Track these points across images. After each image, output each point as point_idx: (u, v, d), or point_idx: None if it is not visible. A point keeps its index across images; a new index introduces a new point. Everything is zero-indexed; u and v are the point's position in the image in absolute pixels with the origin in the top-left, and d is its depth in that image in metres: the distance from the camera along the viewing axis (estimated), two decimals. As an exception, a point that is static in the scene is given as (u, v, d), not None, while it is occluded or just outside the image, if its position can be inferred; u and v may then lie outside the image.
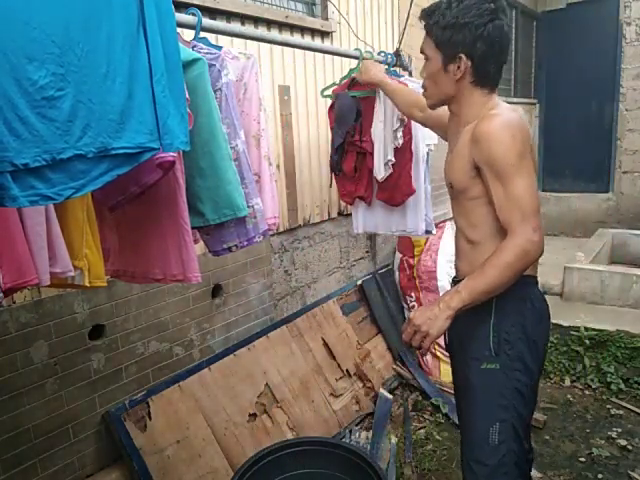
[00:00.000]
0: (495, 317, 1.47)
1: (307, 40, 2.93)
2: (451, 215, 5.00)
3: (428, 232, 2.75)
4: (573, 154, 6.74)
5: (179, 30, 1.45)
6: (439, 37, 1.44)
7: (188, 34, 1.56)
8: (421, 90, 2.59)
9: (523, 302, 1.48)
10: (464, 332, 1.54)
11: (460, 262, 1.61)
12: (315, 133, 3.11)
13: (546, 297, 1.58)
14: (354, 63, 2.55)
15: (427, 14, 1.47)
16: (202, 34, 1.57)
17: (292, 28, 2.86)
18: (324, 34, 3.11)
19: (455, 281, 1.64)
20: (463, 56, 1.42)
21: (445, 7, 1.42)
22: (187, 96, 1.21)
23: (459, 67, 1.43)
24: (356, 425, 2.87)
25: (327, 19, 3.11)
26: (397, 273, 3.74)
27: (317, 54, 2.99)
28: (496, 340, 1.46)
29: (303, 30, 2.94)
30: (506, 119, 1.37)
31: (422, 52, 1.53)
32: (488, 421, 1.45)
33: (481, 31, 1.39)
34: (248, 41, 2.41)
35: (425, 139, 2.65)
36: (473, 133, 1.40)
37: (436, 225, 3.00)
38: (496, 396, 1.45)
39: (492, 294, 1.37)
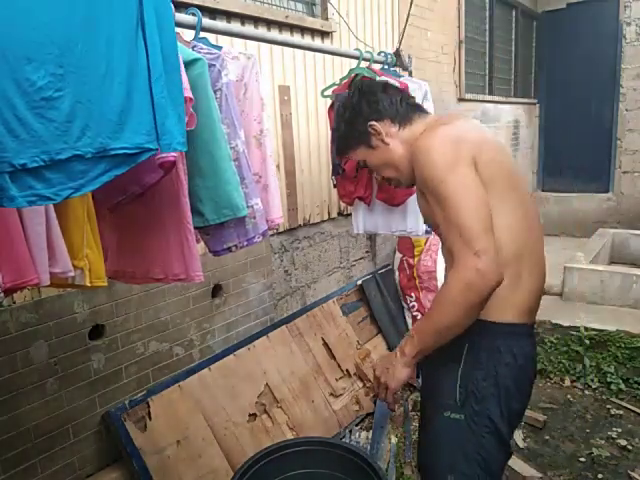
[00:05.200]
0: (464, 365, 1.31)
1: (307, 40, 2.93)
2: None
3: (428, 232, 2.75)
4: (573, 154, 6.74)
5: (179, 30, 1.45)
6: (349, 142, 1.50)
7: (188, 34, 1.56)
8: (421, 87, 2.60)
9: (500, 354, 1.30)
10: (432, 374, 1.41)
11: None
12: (315, 133, 3.11)
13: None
14: (354, 63, 2.55)
15: (338, 149, 1.57)
16: (202, 34, 1.57)
17: (292, 28, 2.86)
18: (324, 34, 3.11)
19: None
20: (371, 124, 1.44)
21: (336, 125, 1.54)
22: (191, 95, 1.22)
23: (377, 132, 1.44)
24: (356, 425, 2.87)
25: (327, 19, 3.11)
26: (397, 273, 3.74)
27: (317, 54, 2.99)
28: (463, 391, 1.30)
29: (303, 30, 2.94)
30: (433, 133, 1.31)
31: (360, 165, 1.57)
32: (447, 468, 1.32)
33: (364, 103, 1.45)
34: (248, 41, 2.41)
35: (425, 139, 2.65)
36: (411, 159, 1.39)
37: (436, 225, 3.00)
38: (459, 447, 1.31)
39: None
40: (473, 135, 1.33)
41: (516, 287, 1.31)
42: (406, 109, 1.45)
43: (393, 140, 1.44)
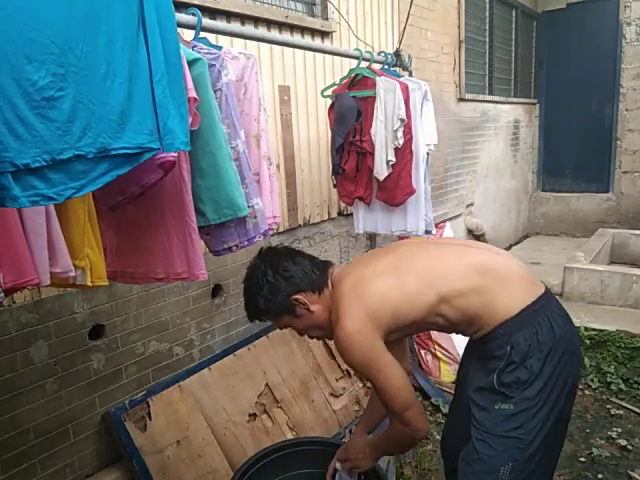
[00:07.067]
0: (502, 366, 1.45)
1: (307, 40, 2.93)
2: (450, 215, 4.99)
3: (428, 232, 2.76)
4: (573, 154, 6.74)
5: (179, 30, 1.45)
6: (270, 313, 1.54)
7: (188, 34, 1.57)
8: (421, 87, 2.60)
9: (525, 337, 1.43)
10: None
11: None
12: (315, 133, 3.10)
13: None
14: (354, 63, 2.55)
15: (252, 315, 1.60)
16: (202, 34, 1.57)
17: (292, 28, 2.86)
18: (324, 34, 3.11)
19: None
20: (295, 297, 1.49)
21: (250, 297, 1.55)
22: (195, 96, 1.22)
23: (302, 304, 1.50)
24: (356, 425, 2.87)
25: (327, 19, 3.11)
26: (397, 273, 3.73)
27: (317, 54, 2.99)
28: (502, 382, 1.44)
29: (303, 30, 2.94)
30: (344, 328, 1.41)
31: (282, 328, 1.63)
32: (501, 460, 1.43)
33: (280, 279, 1.49)
34: (248, 41, 2.41)
35: (425, 139, 2.65)
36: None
37: (436, 225, 3.00)
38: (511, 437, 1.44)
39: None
40: (374, 288, 1.44)
41: (494, 300, 1.44)
42: (318, 274, 1.54)
43: (317, 306, 1.52)
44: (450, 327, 1.53)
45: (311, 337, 1.65)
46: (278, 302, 1.50)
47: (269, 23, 2.70)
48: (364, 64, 2.56)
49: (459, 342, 3.30)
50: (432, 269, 1.48)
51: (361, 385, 3.05)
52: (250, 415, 2.47)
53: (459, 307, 1.44)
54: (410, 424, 1.43)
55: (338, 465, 1.76)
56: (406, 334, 1.63)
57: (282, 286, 1.49)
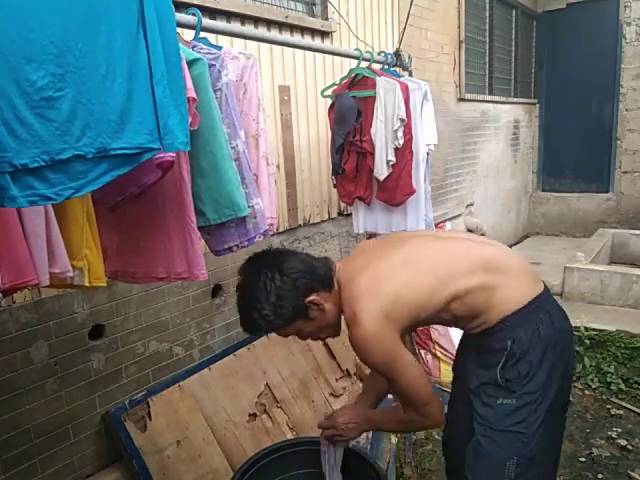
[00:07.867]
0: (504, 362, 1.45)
1: (307, 40, 2.93)
2: (450, 215, 4.99)
3: (428, 232, 2.75)
4: (573, 154, 6.74)
5: (179, 30, 1.45)
6: (279, 322, 1.40)
7: (188, 34, 1.56)
8: (421, 87, 2.60)
9: (528, 329, 1.43)
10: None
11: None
12: (315, 133, 3.10)
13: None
14: (354, 63, 2.55)
15: (258, 328, 1.43)
16: (202, 34, 1.57)
17: (292, 28, 2.86)
18: (324, 34, 3.11)
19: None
20: (310, 299, 1.40)
21: (253, 309, 1.39)
22: (195, 96, 1.22)
23: (317, 305, 1.41)
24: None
25: (327, 19, 3.11)
26: (397, 273, 3.73)
27: (317, 54, 2.99)
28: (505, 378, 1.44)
29: (303, 30, 2.94)
30: (364, 328, 1.34)
31: (286, 337, 1.51)
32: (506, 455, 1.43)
33: (289, 282, 1.38)
34: (248, 41, 2.41)
35: (425, 139, 2.65)
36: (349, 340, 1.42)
37: (436, 225, 3.00)
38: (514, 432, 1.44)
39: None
40: (391, 287, 1.38)
41: (500, 292, 1.44)
42: (325, 270, 1.45)
43: (329, 304, 1.44)
44: (453, 321, 1.52)
45: (317, 339, 1.56)
46: (291, 307, 1.38)
47: (269, 23, 2.70)
48: (364, 64, 2.56)
49: (458, 342, 3.30)
50: (445, 266, 1.44)
51: (361, 385, 3.05)
52: (250, 415, 2.47)
53: (467, 303, 1.43)
54: (429, 417, 1.47)
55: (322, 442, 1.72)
56: (414, 329, 1.63)
57: (294, 289, 1.37)
